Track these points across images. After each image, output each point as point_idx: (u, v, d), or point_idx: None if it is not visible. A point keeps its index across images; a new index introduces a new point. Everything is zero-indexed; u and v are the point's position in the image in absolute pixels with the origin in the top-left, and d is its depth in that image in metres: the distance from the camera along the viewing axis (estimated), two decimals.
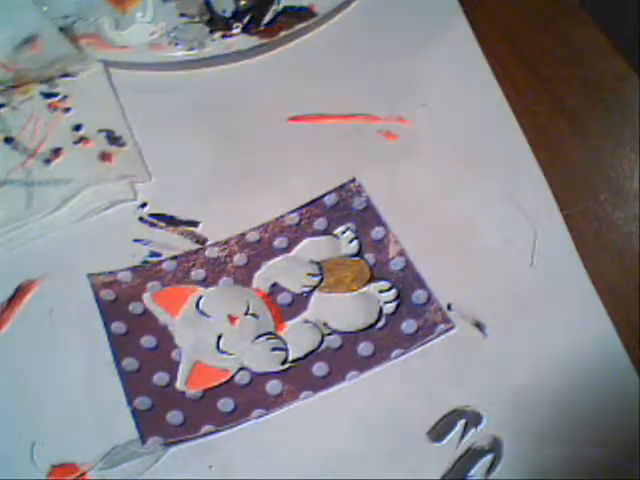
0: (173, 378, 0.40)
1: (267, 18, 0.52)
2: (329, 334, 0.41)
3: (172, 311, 0.42)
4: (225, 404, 0.39)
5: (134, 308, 0.43)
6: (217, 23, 0.52)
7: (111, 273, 0.44)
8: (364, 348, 0.40)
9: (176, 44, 0.51)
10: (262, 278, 0.43)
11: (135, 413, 0.39)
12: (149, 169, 0.48)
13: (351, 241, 0.44)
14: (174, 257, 0.44)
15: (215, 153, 0.49)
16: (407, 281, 0.42)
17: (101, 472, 0.37)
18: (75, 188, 0.46)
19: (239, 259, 0.44)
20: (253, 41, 0.51)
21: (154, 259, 0.44)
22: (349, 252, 0.44)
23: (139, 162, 0.48)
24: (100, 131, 0.49)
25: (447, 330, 0.40)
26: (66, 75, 0.51)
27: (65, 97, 0.51)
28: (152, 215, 0.46)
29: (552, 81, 0.51)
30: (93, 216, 0.46)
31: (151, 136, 0.49)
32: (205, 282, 0.43)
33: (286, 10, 0.52)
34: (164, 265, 0.44)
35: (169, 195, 0.47)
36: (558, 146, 0.48)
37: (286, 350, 0.41)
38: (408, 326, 0.41)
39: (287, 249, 0.44)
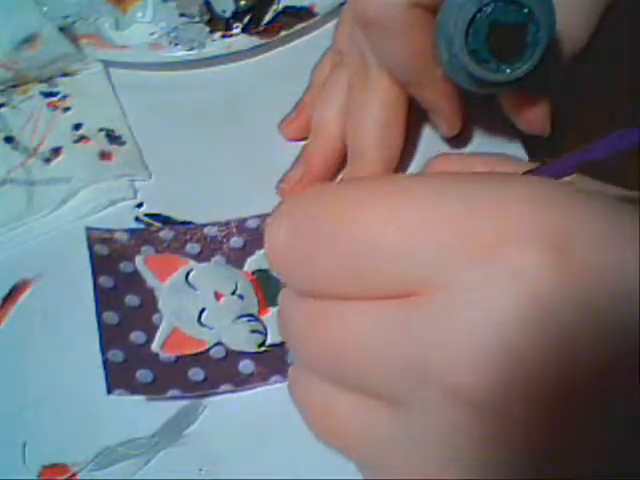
0: (150, 339, 0.41)
1: (267, 18, 0.52)
2: None
3: (161, 277, 0.43)
4: (196, 373, 0.40)
5: (124, 267, 0.43)
6: (217, 23, 0.52)
7: (108, 231, 0.44)
8: None
9: (176, 44, 0.51)
10: (254, 264, 0.43)
11: (106, 364, 0.39)
12: (149, 168, 0.48)
13: None
14: (172, 228, 0.45)
15: (215, 153, 0.49)
16: None
17: (91, 473, 0.37)
18: (75, 187, 0.47)
19: (236, 242, 0.44)
20: (253, 41, 0.51)
21: (152, 227, 0.45)
22: None
23: (139, 161, 0.48)
24: (100, 130, 0.49)
25: None
26: (66, 74, 0.51)
27: (65, 96, 0.51)
28: (148, 215, 0.46)
29: None
30: (93, 215, 0.46)
31: (151, 136, 0.50)
32: (198, 257, 0.44)
33: (286, 10, 0.52)
34: (161, 233, 0.45)
35: (168, 194, 0.47)
36: (558, 147, 0.48)
37: (265, 334, 0.41)
38: None
39: None
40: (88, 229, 0.44)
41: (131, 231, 0.45)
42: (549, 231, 0.19)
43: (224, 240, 0.44)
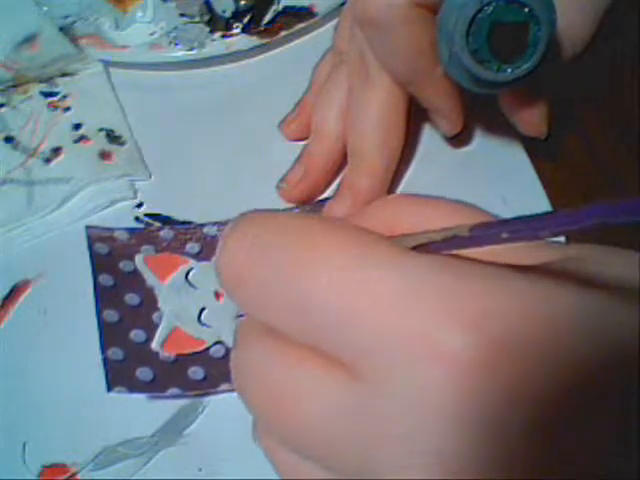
0: (150, 337, 0.41)
1: (267, 18, 0.52)
2: None
3: (161, 276, 0.43)
4: (196, 372, 0.40)
5: (125, 265, 0.43)
6: (217, 23, 0.52)
7: (108, 229, 0.45)
8: None
9: (176, 44, 0.51)
10: None
11: (106, 361, 0.39)
12: (149, 168, 0.48)
13: None
14: (173, 227, 0.45)
15: (215, 153, 0.49)
16: None
17: (91, 473, 0.37)
18: (75, 187, 0.46)
19: None
20: (253, 41, 0.51)
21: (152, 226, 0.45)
22: None
23: (139, 161, 0.48)
24: (100, 130, 0.49)
25: None
26: (66, 74, 0.51)
27: (65, 96, 0.51)
28: (148, 215, 0.46)
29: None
30: (93, 215, 0.46)
31: (150, 136, 0.49)
32: (198, 256, 0.44)
33: (286, 10, 0.52)
34: (161, 233, 0.45)
35: (168, 194, 0.47)
36: (558, 147, 0.48)
37: None
38: None
39: None
40: (88, 228, 0.44)
41: (131, 230, 0.45)
42: (470, 314, 0.20)
43: None
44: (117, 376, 0.39)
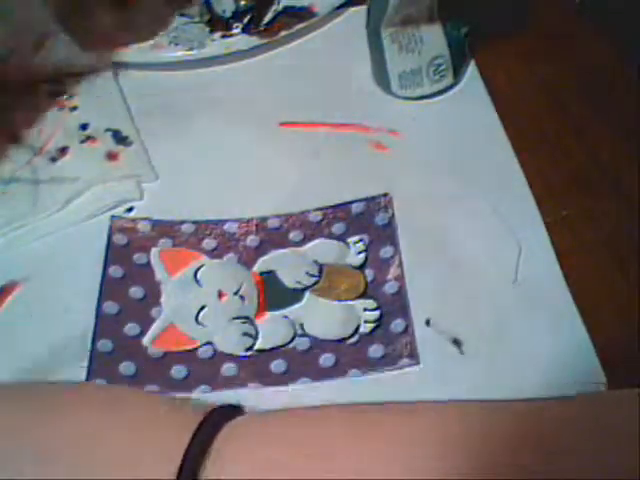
0: (143, 332, 0.42)
1: (267, 18, 0.52)
2: (301, 335, 0.42)
3: (172, 270, 0.44)
4: (178, 371, 0.41)
5: (138, 258, 0.45)
6: (217, 23, 0.52)
7: (132, 220, 0.46)
8: (326, 358, 0.41)
9: (176, 44, 0.51)
10: (265, 264, 0.44)
11: (93, 353, 0.41)
12: (155, 169, 0.49)
13: (360, 253, 0.44)
14: (195, 222, 0.46)
15: (216, 153, 0.50)
16: (394, 306, 0.42)
17: None
18: (81, 187, 0.47)
19: (252, 240, 0.45)
20: (253, 41, 0.52)
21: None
22: (353, 262, 0.44)
23: (145, 162, 0.49)
24: (107, 130, 0.50)
25: (410, 365, 0.40)
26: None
27: (72, 96, 0.51)
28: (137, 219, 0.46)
29: (551, 83, 0.51)
30: (99, 215, 0.47)
31: (151, 136, 0.50)
32: (212, 253, 0.45)
33: (286, 10, 0.52)
34: (183, 227, 0.46)
35: (173, 195, 0.48)
36: (558, 146, 0.48)
37: (255, 338, 0.42)
38: (375, 351, 0.41)
39: (299, 243, 0.45)
40: (113, 217, 0.46)
41: (154, 222, 0.46)
42: None
43: (241, 238, 0.45)
44: (99, 368, 0.40)
